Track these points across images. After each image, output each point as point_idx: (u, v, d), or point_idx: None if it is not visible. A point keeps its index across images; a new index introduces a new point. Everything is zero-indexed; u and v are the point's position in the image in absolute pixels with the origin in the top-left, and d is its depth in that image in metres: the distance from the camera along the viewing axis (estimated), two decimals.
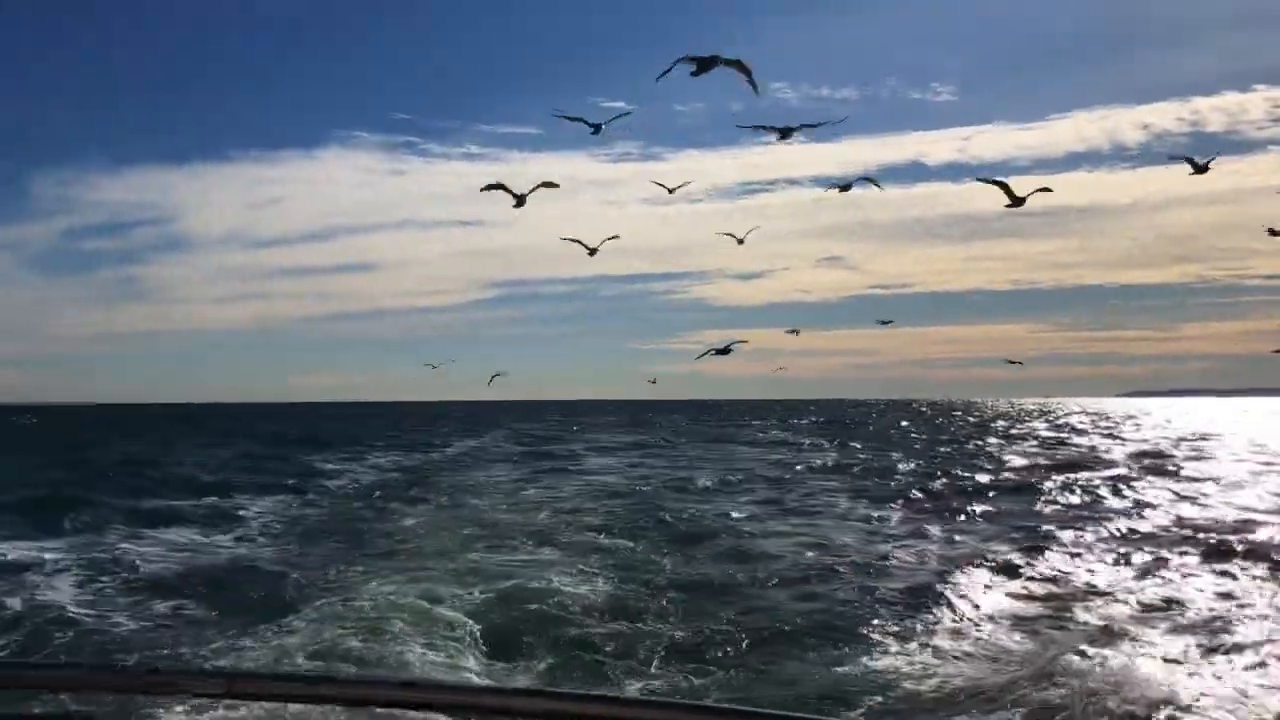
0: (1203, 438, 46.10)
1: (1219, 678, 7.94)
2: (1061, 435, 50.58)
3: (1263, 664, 8.29)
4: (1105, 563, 13.15)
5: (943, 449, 39.97)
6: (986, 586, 11.61)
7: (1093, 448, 39.46)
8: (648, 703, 3.12)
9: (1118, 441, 43.71)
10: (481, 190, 10.96)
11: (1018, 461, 31.76)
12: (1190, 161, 11.35)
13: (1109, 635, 9.18)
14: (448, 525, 17.05)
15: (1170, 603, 10.63)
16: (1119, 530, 15.99)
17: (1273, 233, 13.27)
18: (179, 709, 6.58)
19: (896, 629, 9.58)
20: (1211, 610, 10.23)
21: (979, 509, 18.86)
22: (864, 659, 8.66)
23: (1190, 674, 8.02)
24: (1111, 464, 30.26)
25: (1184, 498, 20.63)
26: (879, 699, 7.63)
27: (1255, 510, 18.36)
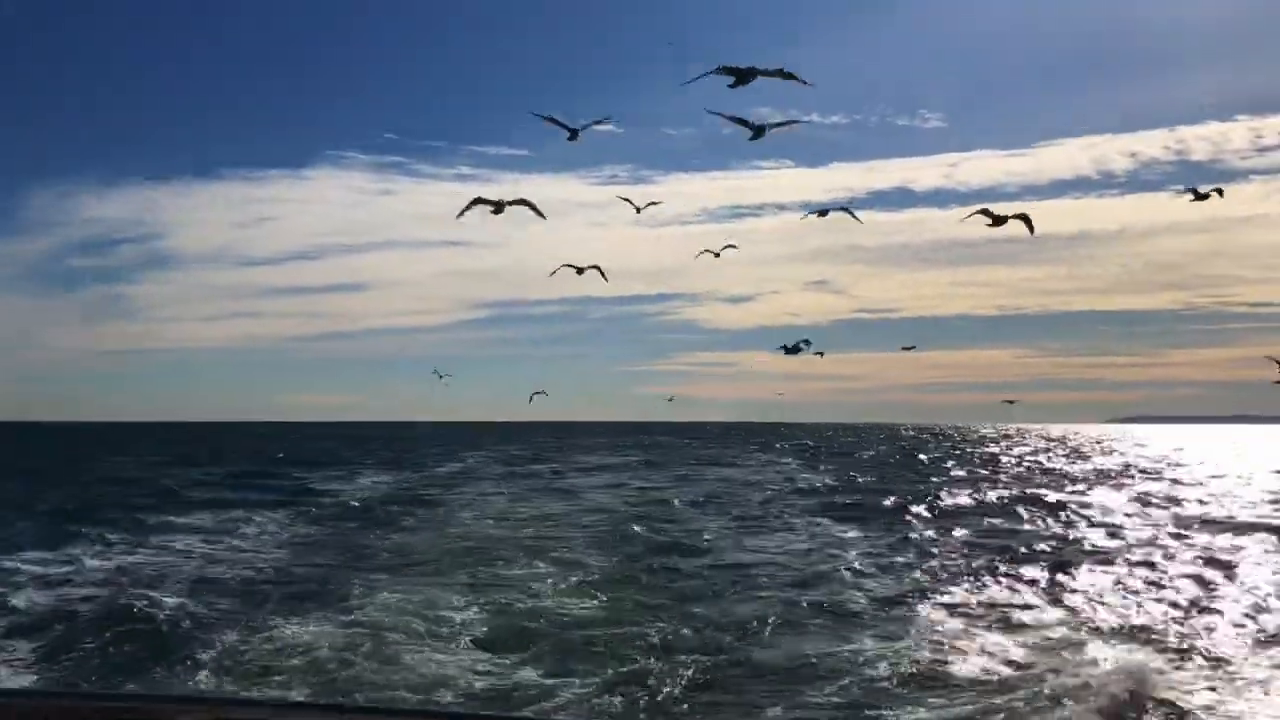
0: (1167, 463, 47.08)
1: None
2: (1033, 461, 51.52)
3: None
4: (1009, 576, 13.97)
5: (906, 471, 40.79)
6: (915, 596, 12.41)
7: (1048, 471, 40.37)
8: None
9: (1072, 465, 44.68)
10: (458, 216, 10.29)
11: (969, 488, 32.59)
12: (1193, 191, 12.25)
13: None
14: (440, 541, 17.60)
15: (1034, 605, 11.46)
16: (1033, 548, 16.88)
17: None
18: None
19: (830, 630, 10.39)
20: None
21: (929, 531, 19.66)
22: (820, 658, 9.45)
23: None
24: (1053, 487, 31.15)
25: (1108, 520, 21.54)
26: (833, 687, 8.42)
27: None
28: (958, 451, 62.35)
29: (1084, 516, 21.86)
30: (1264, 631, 10.52)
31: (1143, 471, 40.33)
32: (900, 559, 15.60)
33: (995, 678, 8.74)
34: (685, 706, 8.04)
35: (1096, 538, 18.27)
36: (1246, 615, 11.28)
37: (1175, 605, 11.84)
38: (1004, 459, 51.90)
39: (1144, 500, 26.25)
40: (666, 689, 8.38)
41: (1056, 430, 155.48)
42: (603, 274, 14.66)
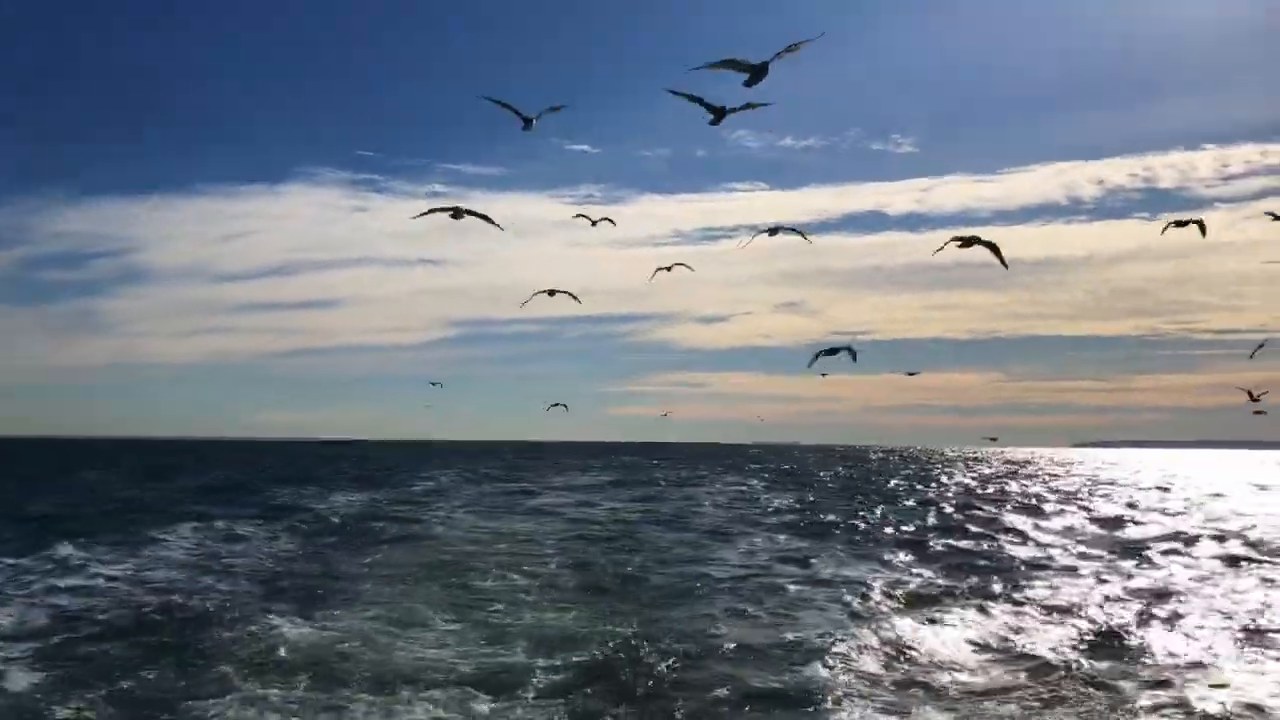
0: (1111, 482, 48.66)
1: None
2: (997, 482, 52.95)
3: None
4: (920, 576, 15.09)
5: (861, 493, 41.98)
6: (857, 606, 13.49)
7: (998, 491, 41.73)
8: None
9: (1028, 485, 46.07)
10: (414, 218, 10.67)
11: (936, 506, 33.82)
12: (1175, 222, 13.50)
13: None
14: (415, 556, 18.23)
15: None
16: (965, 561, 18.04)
17: (1275, 217, 14.96)
18: None
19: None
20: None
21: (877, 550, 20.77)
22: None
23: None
24: (998, 505, 32.44)
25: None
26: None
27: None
28: (910, 471, 63.73)
29: (1004, 532, 23.11)
30: (1128, 635, 11.67)
31: (1074, 494, 41.73)
32: (841, 569, 16.68)
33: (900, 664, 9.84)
34: (652, 695, 9.02)
35: (1007, 549, 19.51)
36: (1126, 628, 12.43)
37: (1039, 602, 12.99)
38: (954, 481, 53.27)
39: (1068, 518, 27.55)
40: (635, 683, 9.34)
41: (1021, 454, 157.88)
42: (575, 298, 15.43)
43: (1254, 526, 25.69)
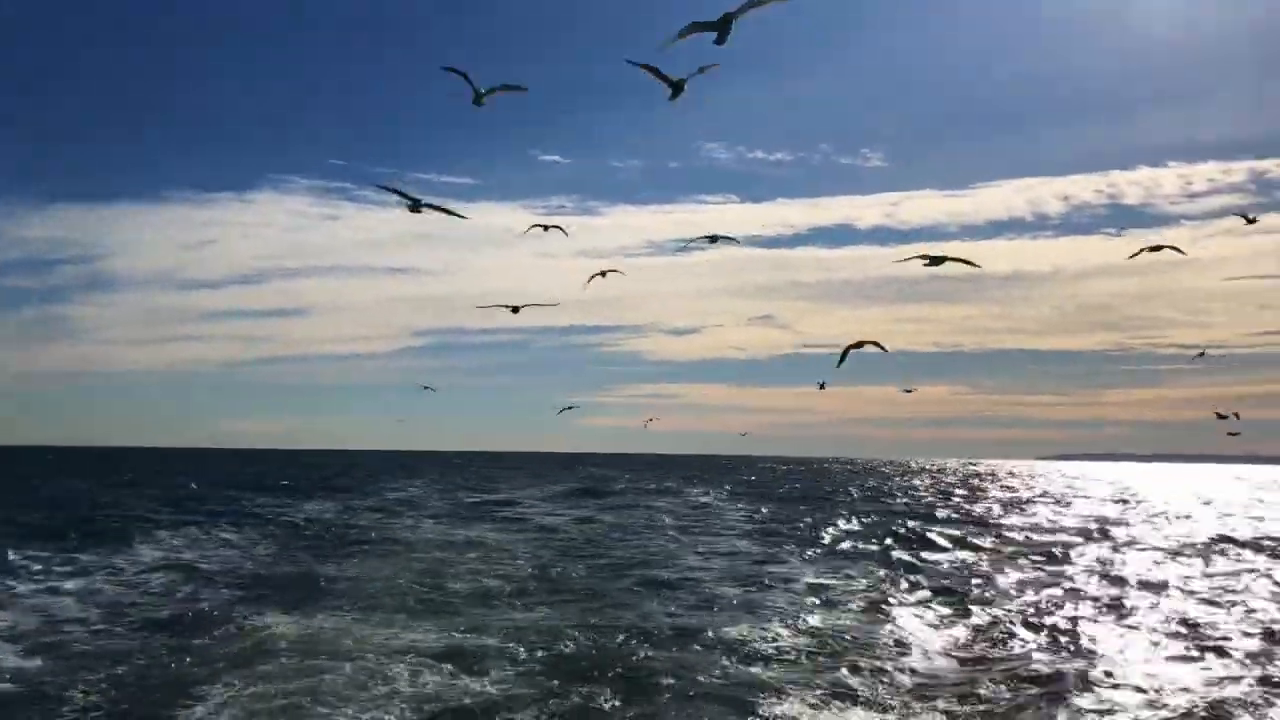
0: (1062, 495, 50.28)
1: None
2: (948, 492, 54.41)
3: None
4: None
5: (816, 503, 43.23)
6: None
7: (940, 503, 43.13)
8: None
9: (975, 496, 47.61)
10: (377, 188, 10.54)
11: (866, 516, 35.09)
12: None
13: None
14: (386, 564, 18.65)
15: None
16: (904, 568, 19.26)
17: (1246, 219, 16.43)
18: None
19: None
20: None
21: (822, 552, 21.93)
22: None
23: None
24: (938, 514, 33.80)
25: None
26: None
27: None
28: (872, 483, 65.09)
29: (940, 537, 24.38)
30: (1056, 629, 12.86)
31: (1021, 503, 43.21)
32: (791, 573, 17.80)
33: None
34: (612, 680, 10.00)
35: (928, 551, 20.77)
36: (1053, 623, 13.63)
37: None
38: (909, 493, 54.67)
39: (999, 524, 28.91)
40: (597, 670, 10.34)
41: (982, 467, 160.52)
42: (547, 305, 15.82)
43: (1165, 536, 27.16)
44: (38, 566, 17.24)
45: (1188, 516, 35.88)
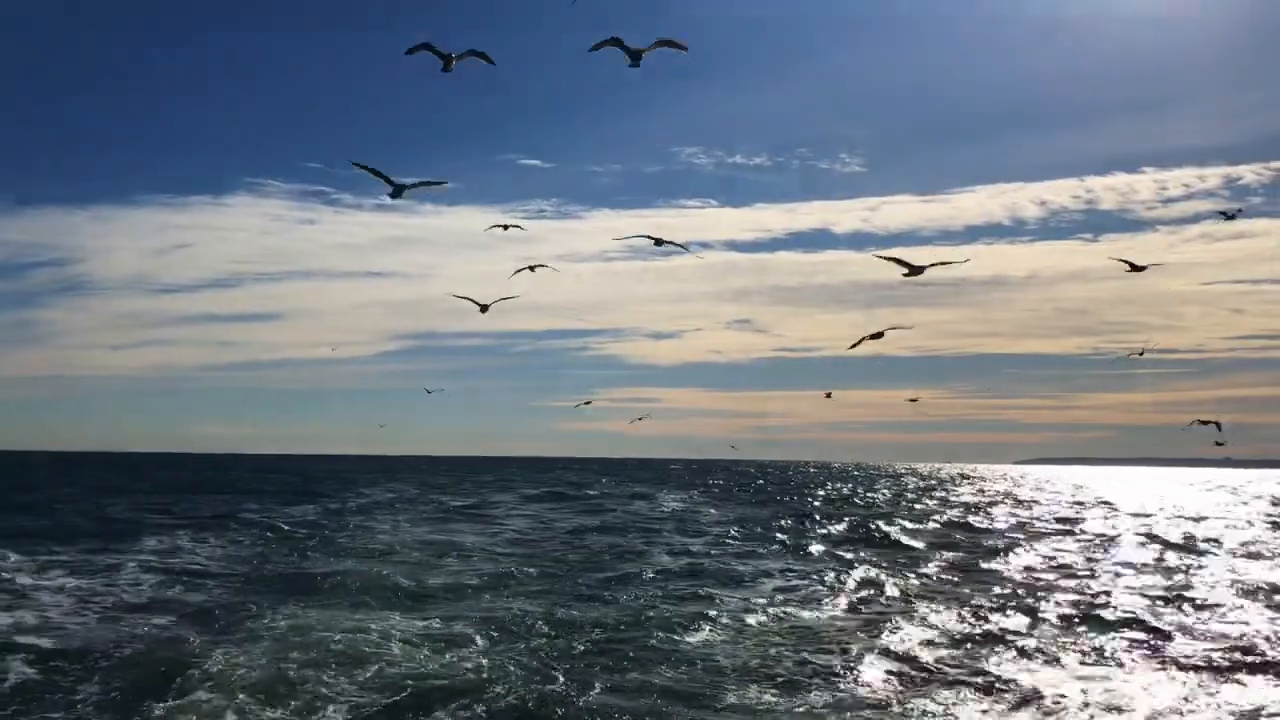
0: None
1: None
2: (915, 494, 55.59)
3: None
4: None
5: (784, 505, 44.21)
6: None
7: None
8: None
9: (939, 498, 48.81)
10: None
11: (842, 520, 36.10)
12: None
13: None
14: (365, 565, 18.90)
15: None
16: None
17: (1226, 216, 17.82)
18: None
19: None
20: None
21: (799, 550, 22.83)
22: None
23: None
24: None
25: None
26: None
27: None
28: (845, 486, 66.21)
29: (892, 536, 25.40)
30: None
31: (977, 506, 44.41)
32: (760, 568, 18.68)
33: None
34: (589, 665, 10.71)
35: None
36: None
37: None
38: (881, 496, 55.79)
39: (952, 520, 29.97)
40: (576, 654, 11.11)
41: (955, 469, 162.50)
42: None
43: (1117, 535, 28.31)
44: (20, 568, 17.70)
45: (1146, 514, 37.10)
